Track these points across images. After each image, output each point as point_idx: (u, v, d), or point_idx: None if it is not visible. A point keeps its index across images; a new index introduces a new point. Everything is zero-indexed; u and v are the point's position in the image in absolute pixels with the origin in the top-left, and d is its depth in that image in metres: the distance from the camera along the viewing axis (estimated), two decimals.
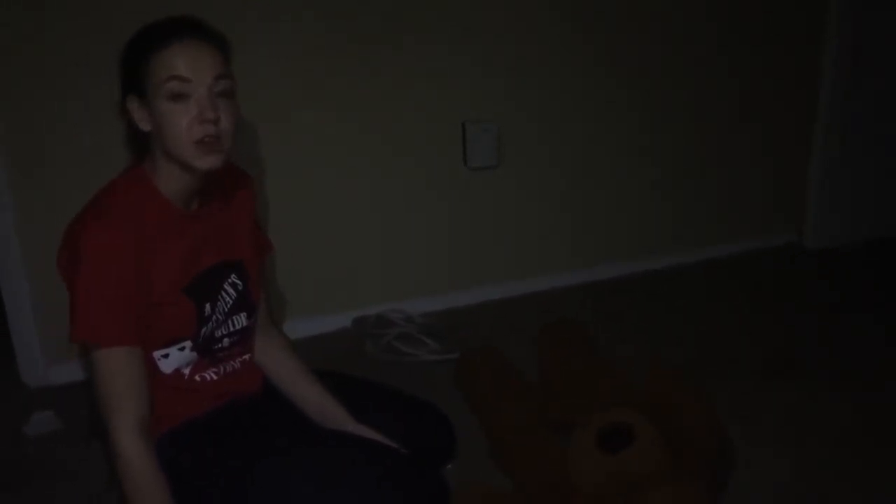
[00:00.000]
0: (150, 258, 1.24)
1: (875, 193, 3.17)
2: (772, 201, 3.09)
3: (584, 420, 1.52)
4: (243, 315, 1.42)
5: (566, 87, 2.58)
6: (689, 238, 2.97)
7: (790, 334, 2.39)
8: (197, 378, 1.35)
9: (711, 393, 1.78)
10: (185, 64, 1.18)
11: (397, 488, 1.30)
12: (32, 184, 2.03)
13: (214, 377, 1.38)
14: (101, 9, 1.96)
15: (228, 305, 1.39)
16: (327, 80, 2.27)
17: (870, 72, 2.96)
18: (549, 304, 2.62)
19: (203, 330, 1.34)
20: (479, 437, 1.78)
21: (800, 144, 3.04)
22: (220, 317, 1.37)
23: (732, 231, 3.04)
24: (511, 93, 2.51)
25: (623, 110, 2.70)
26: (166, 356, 1.30)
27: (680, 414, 1.59)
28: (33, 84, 1.97)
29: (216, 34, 1.25)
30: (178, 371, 1.33)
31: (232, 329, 1.40)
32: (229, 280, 1.39)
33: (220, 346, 1.38)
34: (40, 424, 1.93)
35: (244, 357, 1.44)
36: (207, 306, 1.34)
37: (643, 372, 1.83)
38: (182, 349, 1.32)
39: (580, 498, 1.44)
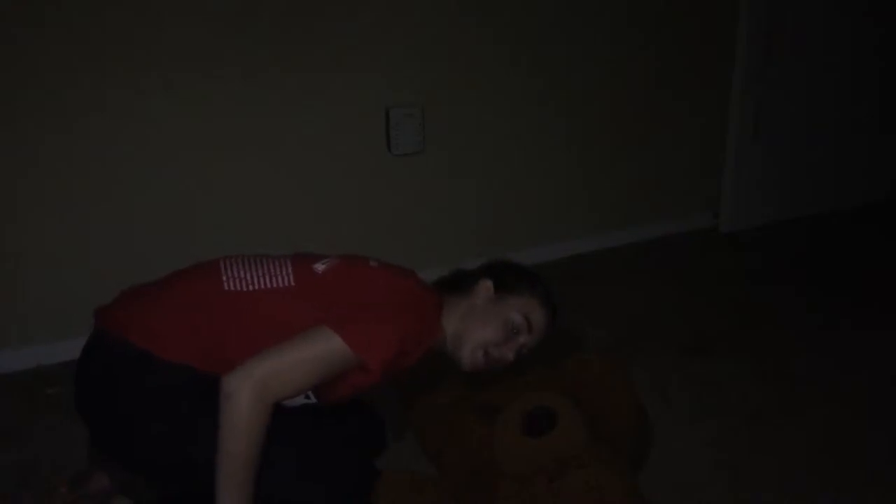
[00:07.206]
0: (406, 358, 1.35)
1: (788, 176, 3.29)
2: (688, 185, 3.18)
3: (509, 404, 1.53)
4: None
5: (486, 71, 2.58)
6: (609, 222, 3.04)
7: (707, 313, 2.47)
8: None
9: (632, 371, 1.83)
10: (529, 326, 1.43)
11: (319, 478, 1.29)
12: None
13: None
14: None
15: None
16: (243, 71, 2.21)
17: (782, 58, 3.06)
18: None
19: None
20: (407, 427, 1.78)
21: (715, 130, 3.14)
22: None
23: (651, 215, 3.13)
24: (433, 77, 2.50)
25: (543, 95, 2.73)
26: (308, 397, 1.34)
27: (600, 395, 1.62)
28: None
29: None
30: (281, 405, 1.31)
31: None
32: None
33: None
34: None
35: None
36: None
37: (567, 353, 1.85)
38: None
39: (505, 481, 1.45)
